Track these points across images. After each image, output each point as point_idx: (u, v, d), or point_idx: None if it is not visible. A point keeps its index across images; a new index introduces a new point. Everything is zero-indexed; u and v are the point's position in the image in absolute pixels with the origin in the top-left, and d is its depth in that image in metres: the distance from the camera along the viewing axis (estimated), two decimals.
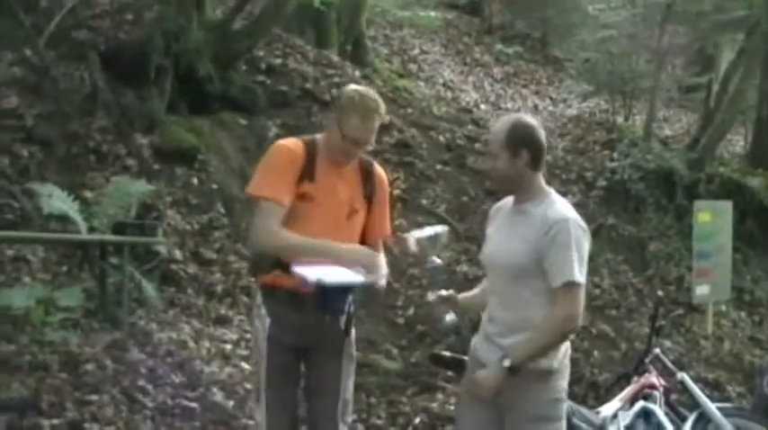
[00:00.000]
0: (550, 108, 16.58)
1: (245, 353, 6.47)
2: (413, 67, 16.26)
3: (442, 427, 6.42)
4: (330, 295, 3.58)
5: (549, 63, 19.50)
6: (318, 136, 3.82)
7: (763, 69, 13.26)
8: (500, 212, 3.79)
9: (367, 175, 3.83)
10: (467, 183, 10.56)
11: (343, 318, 3.76)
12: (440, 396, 6.88)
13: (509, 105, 16.01)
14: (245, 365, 6.28)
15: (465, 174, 10.75)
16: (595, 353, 7.84)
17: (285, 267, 3.59)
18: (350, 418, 3.83)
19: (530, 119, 3.72)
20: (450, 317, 3.75)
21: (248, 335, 6.76)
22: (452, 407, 6.73)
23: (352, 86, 3.87)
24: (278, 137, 9.04)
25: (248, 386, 5.99)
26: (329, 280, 3.48)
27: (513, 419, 3.58)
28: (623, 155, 12.23)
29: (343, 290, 3.67)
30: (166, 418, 5.39)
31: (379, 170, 3.90)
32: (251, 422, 4.60)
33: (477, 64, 18.16)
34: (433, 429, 6.43)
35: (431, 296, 3.78)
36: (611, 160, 12.27)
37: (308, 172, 3.66)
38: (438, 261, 3.75)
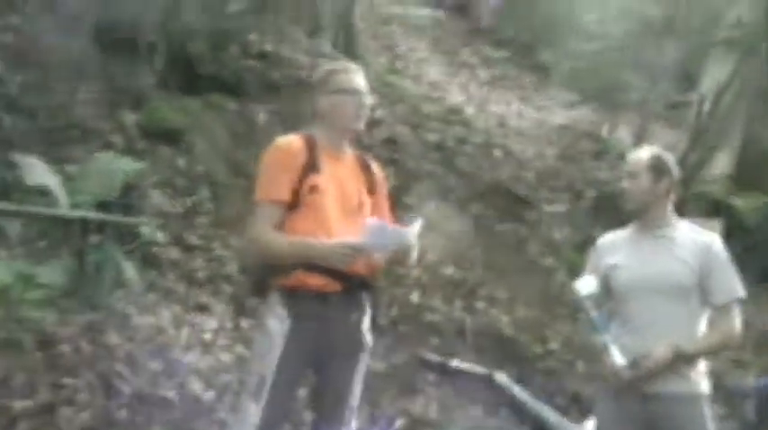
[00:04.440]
0: (535, 115, 16.44)
1: (225, 342, 6.26)
2: (399, 64, 16.08)
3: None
4: (356, 289, 3.52)
5: (535, 69, 19.40)
6: (313, 130, 3.69)
7: (753, 93, 13.22)
8: (623, 241, 3.97)
9: (366, 168, 3.75)
10: (454, 183, 10.39)
11: (367, 318, 3.63)
12: (421, 399, 6.72)
13: (494, 109, 15.87)
14: (225, 356, 6.07)
15: (453, 175, 10.58)
16: (579, 364, 7.69)
17: (308, 265, 3.44)
18: (353, 425, 3.67)
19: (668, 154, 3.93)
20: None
21: (229, 325, 6.55)
22: (433, 410, 6.61)
23: None
24: (267, 123, 8.89)
25: (228, 377, 5.80)
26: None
27: None
28: (612, 166, 12.12)
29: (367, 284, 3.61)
30: (143, 407, 5.17)
31: (374, 163, 3.84)
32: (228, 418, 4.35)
33: (463, 65, 18.03)
34: None
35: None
36: (600, 170, 12.16)
37: (312, 164, 3.54)
38: (595, 313, 3.72)
